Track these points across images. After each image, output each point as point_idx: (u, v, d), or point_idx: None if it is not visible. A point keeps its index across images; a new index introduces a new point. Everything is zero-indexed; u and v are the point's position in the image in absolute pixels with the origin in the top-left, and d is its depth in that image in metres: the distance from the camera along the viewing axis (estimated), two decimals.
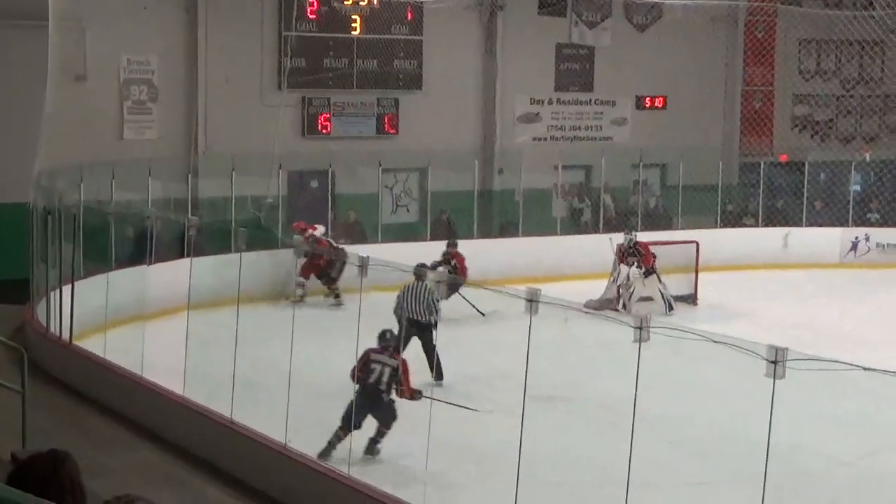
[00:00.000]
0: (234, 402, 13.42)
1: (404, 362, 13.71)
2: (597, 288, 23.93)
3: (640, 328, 9.18)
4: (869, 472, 13.28)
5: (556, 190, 29.79)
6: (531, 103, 30.66)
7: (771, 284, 26.77)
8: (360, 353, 13.27)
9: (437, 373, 17.02)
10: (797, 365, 8.66)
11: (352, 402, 13.17)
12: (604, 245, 24.99)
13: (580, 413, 15.90)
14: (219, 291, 18.65)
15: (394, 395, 13.46)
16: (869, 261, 29.68)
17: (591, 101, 31.49)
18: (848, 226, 30.30)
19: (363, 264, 12.23)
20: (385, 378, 13.34)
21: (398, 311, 17.30)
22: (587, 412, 15.77)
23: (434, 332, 17.18)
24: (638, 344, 9.20)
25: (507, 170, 29.45)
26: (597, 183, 30.38)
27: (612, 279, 24.12)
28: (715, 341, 8.98)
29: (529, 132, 30.58)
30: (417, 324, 17.17)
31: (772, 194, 31.57)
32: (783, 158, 33.39)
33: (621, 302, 23.71)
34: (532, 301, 10.07)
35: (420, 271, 17.04)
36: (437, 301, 17.62)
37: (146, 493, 5.71)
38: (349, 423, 13.06)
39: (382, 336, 13.81)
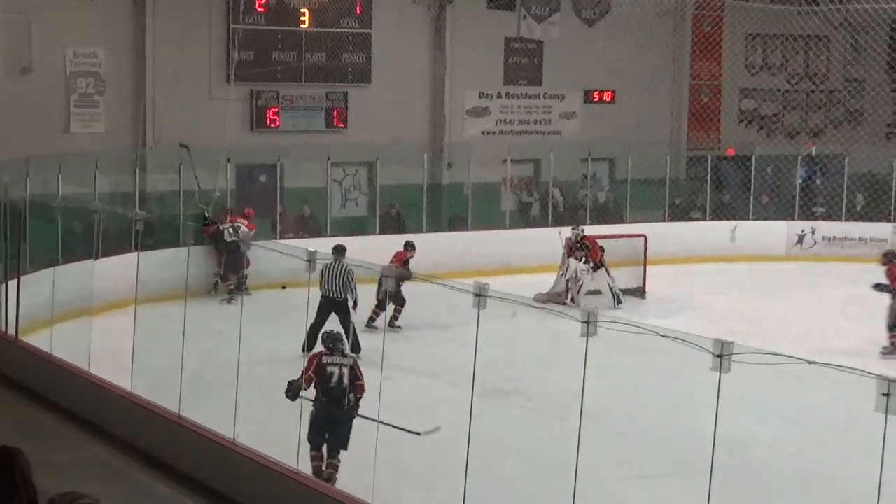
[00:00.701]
0: (182, 396, 13.34)
1: (355, 360, 13.08)
2: (546, 281, 24.01)
3: (588, 322, 9.20)
4: (815, 464, 13.40)
5: (505, 183, 29.82)
6: (480, 97, 30.71)
7: (718, 278, 26.96)
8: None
9: (354, 345, 17.16)
10: (743, 358, 8.71)
11: (313, 417, 12.53)
12: (553, 239, 25.05)
13: (529, 407, 15.95)
14: (167, 285, 18.58)
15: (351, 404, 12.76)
16: (815, 254, 29.97)
17: (539, 95, 31.59)
18: (794, 219, 30.57)
19: (311, 258, 12.16)
20: (346, 380, 12.63)
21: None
22: (536, 406, 15.82)
23: (351, 311, 18.00)
24: (585, 338, 9.22)
25: (456, 163, 29.50)
26: (545, 176, 30.45)
27: (560, 273, 24.19)
28: (661, 335, 9.00)
29: (478, 126, 30.63)
30: (334, 301, 18.11)
31: (719, 188, 31.78)
32: (730, 152, 33.63)
33: (570, 296, 23.80)
34: (480, 295, 10.06)
35: (338, 249, 18.52)
36: (353, 279, 18.35)
37: (93, 489, 5.67)
38: (318, 442, 12.54)
39: (328, 337, 13.15)
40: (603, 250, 24.30)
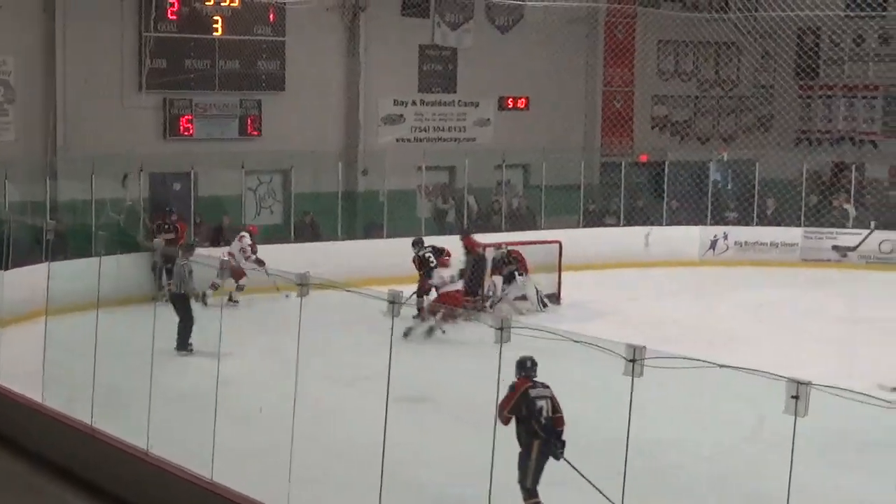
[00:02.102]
0: (95, 408, 13.21)
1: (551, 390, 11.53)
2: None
3: (501, 329, 9.23)
4: (727, 467, 13.52)
5: (420, 191, 29.85)
6: (395, 104, 30.70)
7: (633, 283, 27.15)
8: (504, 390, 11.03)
9: (180, 342, 19.02)
10: (655, 363, 8.78)
11: (526, 461, 11.34)
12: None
13: (446, 414, 15.95)
14: (79, 296, 18.37)
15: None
16: (728, 258, 30.31)
17: (454, 102, 31.65)
18: (707, 224, 30.87)
19: (223, 266, 12.11)
20: (549, 413, 11.42)
21: None
22: (453, 413, 15.83)
23: (189, 304, 19.30)
24: (499, 345, 9.25)
25: (371, 171, 29.46)
26: (461, 183, 30.50)
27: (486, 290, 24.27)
28: (575, 340, 9.06)
29: (393, 133, 30.63)
30: (176, 295, 19.37)
31: (633, 194, 32.02)
32: (643, 158, 33.92)
33: (490, 301, 23.90)
34: (394, 303, 10.07)
35: (186, 248, 19.72)
36: (190, 274, 19.22)
37: (5, 502, 5.60)
38: (535, 485, 11.41)
39: (523, 365, 11.33)
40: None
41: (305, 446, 11.94)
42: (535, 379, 11.29)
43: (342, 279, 21.81)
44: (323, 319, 19.43)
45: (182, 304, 19.40)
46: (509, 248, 24.63)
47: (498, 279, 24.28)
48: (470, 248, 24.06)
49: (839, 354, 20.42)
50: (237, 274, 23.03)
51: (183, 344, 19.15)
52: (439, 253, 23.55)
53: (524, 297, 24.16)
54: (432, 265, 23.14)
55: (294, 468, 11.11)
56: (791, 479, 8.46)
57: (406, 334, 19.11)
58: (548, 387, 11.39)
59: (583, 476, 11.11)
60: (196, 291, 19.92)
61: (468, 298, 22.96)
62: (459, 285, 22.68)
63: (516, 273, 24.22)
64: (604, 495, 9.64)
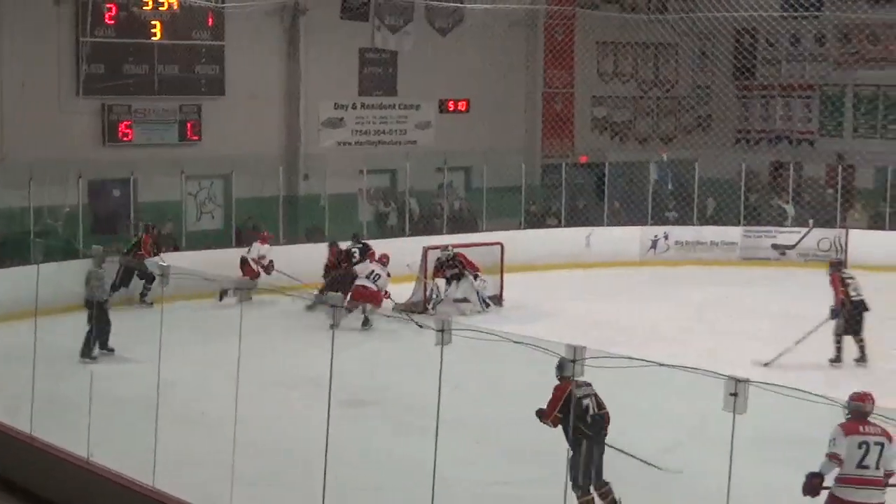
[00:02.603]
0: (34, 416, 13.11)
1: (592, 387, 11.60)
2: (404, 291, 24.05)
3: (443, 331, 9.25)
4: (669, 466, 13.59)
5: (362, 194, 29.81)
6: (335, 108, 30.65)
7: (575, 283, 27.28)
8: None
9: (85, 348, 18.98)
10: (596, 363, 8.84)
11: (579, 452, 11.33)
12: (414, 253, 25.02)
13: (389, 416, 15.96)
14: (17, 303, 18.24)
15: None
16: (668, 258, 30.49)
17: (394, 105, 31.66)
18: (647, 224, 31.06)
19: (164, 272, 12.07)
20: (595, 410, 11.57)
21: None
22: (396, 415, 15.85)
23: (106, 309, 19.41)
24: (440, 346, 9.27)
25: (313, 175, 29.39)
26: (402, 186, 30.52)
27: (419, 284, 24.28)
28: (515, 342, 9.09)
29: (334, 137, 30.58)
30: (95, 303, 19.17)
31: (574, 195, 32.16)
32: (584, 159, 34.08)
33: (432, 304, 23.95)
34: (335, 306, 10.08)
35: (97, 253, 19.64)
36: (103, 280, 19.58)
37: None
38: (588, 484, 11.48)
39: (563, 366, 11.06)
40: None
41: (248, 450, 11.92)
42: (576, 379, 10.93)
43: (284, 284, 21.89)
44: (265, 323, 19.52)
45: (95, 311, 19.32)
46: (455, 250, 24.67)
47: (441, 281, 24.36)
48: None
49: (778, 350, 20.62)
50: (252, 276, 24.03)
51: (87, 351, 19.15)
52: (366, 249, 24.06)
53: (465, 300, 24.25)
54: (355, 260, 23.85)
55: (237, 472, 11.08)
56: (731, 476, 8.54)
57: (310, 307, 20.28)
58: (590, 384, 11.44)
59: (634, 457, 11.21)
60: (108, 298, 19.97)
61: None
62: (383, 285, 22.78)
63: (461, 275, 24.32)
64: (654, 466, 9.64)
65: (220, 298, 22.36)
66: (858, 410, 9.98)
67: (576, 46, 34.60)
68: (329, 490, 10.29)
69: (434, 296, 24.17)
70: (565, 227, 30.90)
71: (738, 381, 8.14)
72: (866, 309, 20.07)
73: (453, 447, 10.61)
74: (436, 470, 9.68)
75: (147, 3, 27.28)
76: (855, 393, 10.09)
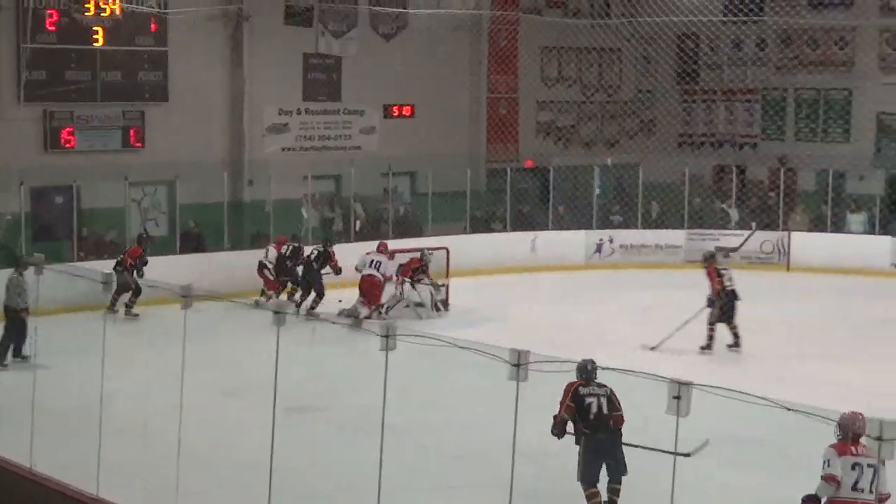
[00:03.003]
0: None
1: (611, 390, 11.92)
2: (349, 297, 24.01)
3: (387, 336, 9.25)
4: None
5: (307, 200, 29.74)
6: (279, 114, 30.56)
7: (520, 288, 27.35)
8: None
9: (17, 349, 19.28)
10: (541, 367, 8.86)
11: (587, 450, 11.81)
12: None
13: (334, 423, 15.94)
14: None
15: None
16: (613, 262, 30.66)
17: (339, 110, 31.59)
18: (592, 228, 31.20)
19: (107, 280, 12.00)
20: (605, 409, 11.81)
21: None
22: (341, 422, 15.82)
23: (23, 318, 18.98)
24: (385, 352, 9.27)
25: (257, 180, 29.28)
26: (347, 192, 30.47)
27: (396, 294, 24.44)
28: (461, 347, 9.10)
29: (278, 142, 30.48)
30: (13, 310, 19.24)
31: (518, 199, 32.24)
32: (529, 164, 34.17)
33: (386, 307, 24.02)
34: (280, 313, 10.06)
35: (20, 263, 19.41)
36: (23, 287, 19.12)
37: None
38: (596, 478, 11.85)
39: (585, 368, 11.88)
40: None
41: (193, 458, 11.87)
42: (593, 380, 11.83)
43: (229, 290, 21.82)
44: (209, 330, 19.39)
45: (12, 318, 19.34)
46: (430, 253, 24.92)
47: (408, 287, 24.49)
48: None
49: (721, 354, 20.80)
50: (270, 285, 24.76)
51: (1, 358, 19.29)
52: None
53: (421, 304, 24.40)
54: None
55: (182, 481, 11.04)
56: (675, 477, 8.60)
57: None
58: (604, 386, 11.84)
59: (648, 448, 11.27)
60: (26, 307, 19.19)
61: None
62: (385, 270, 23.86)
63: (421, 279, 24.49)
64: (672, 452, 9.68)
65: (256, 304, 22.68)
66: (848, 431, 9.52)
67: (520, 51, 34.69)
68: (275, 498, 10.27)
69: (400, 295, 24.30)
70: (510, 231, 30.96)
71: (681, 384, 8.20)
72: (737, 298, 20.99)
73: (399, 453, 10.61)
74: (381, 476, 9.68)
75: (89, 9, 27.10)
76: (845, 413, 9.66)
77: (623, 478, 11.89)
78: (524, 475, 9.56)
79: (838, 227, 31.44)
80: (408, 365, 10.12)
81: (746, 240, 30.95)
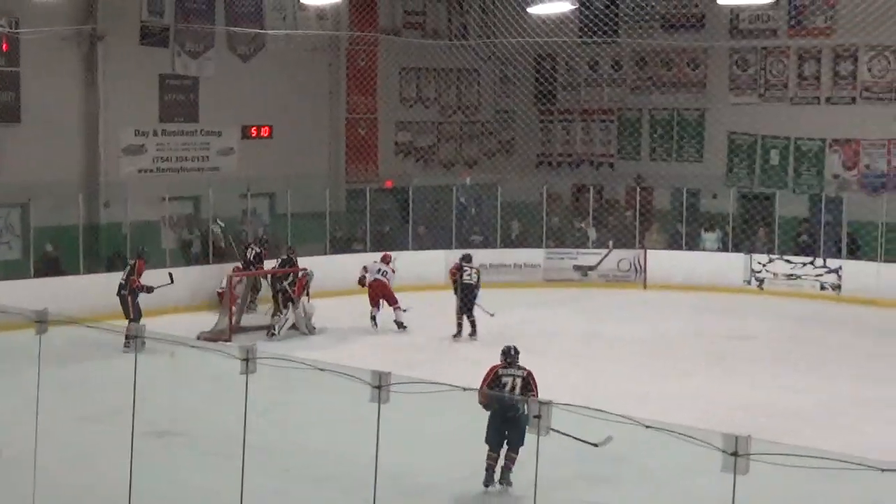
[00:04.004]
0: None
1: (531, 373, 14.05)
2: (208, 320, 23.81)
3: (247, 359, 9.18)
4: (478, 485, 13.73)
5: (165, 221, 29.41)
6: (136, 135, 30.16)
7: (381, 308, 27.30)
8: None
9: None
10: (400, 388, 8.86)
11: (491, 419, 13.57)
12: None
13: (194, 447, 15.77)
14: None
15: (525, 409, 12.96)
16: (473, 281, 30.67)
17: (196, 131, 31.30)
18: (452, 248, 31.30)
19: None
20: (517, 390, 13.74)
21: None
22: (201, 445, 15.66)
23: None
24: (245, 375, 9.19)
25: (114, 203, 28.84)
26: (206, 214, 30.19)
27: (224, 312, 24.12)
28: (321, 369, 9.06)
29: (135, 164, 30.07)
30: None
31: (379, 220, 32.26)
32: (388, 184, 34.20)
33: (277, 329, 23.97)
34: (136, 337, 9.93)
35: None
36: None
37: None
38: (496, 442, 13.56)
39: (507, 352, 14.17)
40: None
41: (50, 485, 11.65)
42: (514, 363, 14.06)
43: (86, 314, 21.45)
44: (66, 355, 19.10)
45: None
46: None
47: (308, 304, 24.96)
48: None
49: (581, 371, 21.02)
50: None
51: None
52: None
53: (294, 327, 24.37)
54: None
55: None
56: (537, 495, 8.66)
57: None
58: (523, 369, 14.01)
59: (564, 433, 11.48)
60: None
61: None
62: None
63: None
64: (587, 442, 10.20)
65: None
66: None
67: (378, 72, 34.78)
68: None
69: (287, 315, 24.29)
70: (371, 251, 30.93)
71: (541, 403, 8.26)
72: (473, 293, 23.73)
73: (261, 476, 10.54)
74: (243, 500, 9.60)
75: None
76: None
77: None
78: (387, 497, 9.55)
79: (693, 245, 32.03)
80: (269, 387, 10.05)
81: (604, 258, 31.38)
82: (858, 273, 28.98)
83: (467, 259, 25.23)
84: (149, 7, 29.82)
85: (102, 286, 25.05)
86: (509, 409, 13.55)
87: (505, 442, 13.56)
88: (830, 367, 21.44)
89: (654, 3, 33.34)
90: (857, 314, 27.38)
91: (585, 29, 33.32)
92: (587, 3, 33.00)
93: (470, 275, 24.32)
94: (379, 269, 25.82)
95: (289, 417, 16.13)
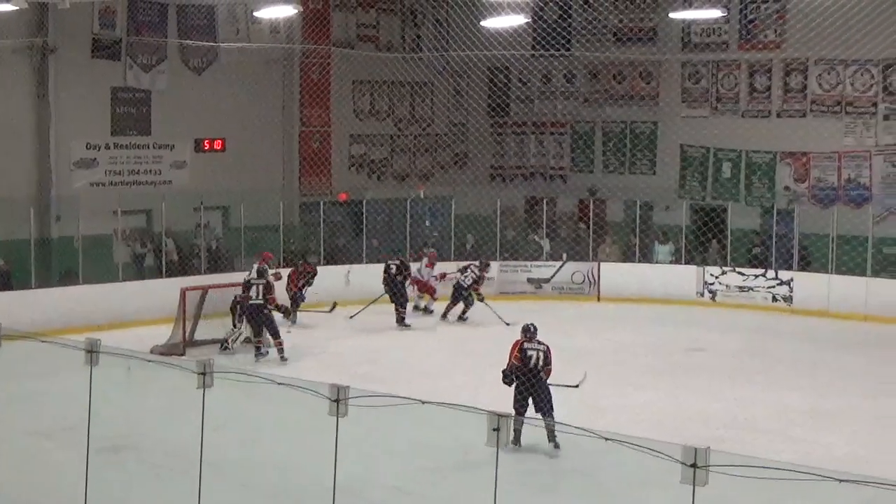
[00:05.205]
0: None
1: (549, 347, 16.15)
2: (161, 333, 23.68)
3: (204, 374, 9.15)
4: (434, 499, 13.72)
5: (117, 235, 29.23)
6: (87, 148, 29.97)
7: (336, 321, 27.27)
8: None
9: None
10: (358, 401, 8.85)
11: (517, 388, 15.65)
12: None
13: (149, 462, 15.65)
14: None
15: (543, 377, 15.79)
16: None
17: (149, 144, 31.15)
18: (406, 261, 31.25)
19: None
20: (540, 362, 15.86)
21: None
22: (156, 460, 15.54)
23: None
24: (202, 390, 9.16)
25: (65, 216, 28.65)
26: (158, 227, 30.03)
27: (178, 325, 23.97)
28: (279, 383, 9.05)
29: (87, 177, 29.88)
30: None
31: (333, 233, 32.21)
32: (342, 197, 34.15)
33: (231, 343, 23.84)
34: (91, 351, 9.86)
35: None
36: None
37: None
38: (522, 407, 15.31)
39: (528, 329, 16.24)
40: None
41: (4, 501, 11.54)
42: (534, 338, 16.08)
43: (38, 329, 21.28)
44: (18, 370, 18.95)
45: None
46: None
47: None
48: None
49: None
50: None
51: None
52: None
53: (248, 340, 24.19)
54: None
55: None
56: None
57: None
58: (543, 343, 16.09)
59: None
60: None
61: None
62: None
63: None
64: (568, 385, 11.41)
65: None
66: None
67: (332, 85, 34.75)
68: None
69: (240, 329, 24.20)
70: (325, 264, 30.86)
71: (500, 416, 8.28)
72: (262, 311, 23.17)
73: (218, 492, 10.48)
74: None
75: None
76: None
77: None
78: None
79: (646, 257, 32.15)
80: (226, 401, 10.01)
81: (557, 271, 31.46)
82: (810, 285, 29.15)
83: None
84: (100, 20, 29.66)
85: (55, 300, 24.89)
86: (533, 376, 15.58)
87: (535, 410, 15.14)
88: (783, 379, 21.56)
89: (606, 17, 33.54)
90: (809, 325, 27.57)
91: (538, 42, 33.44)
92: (540, 17, 33.14)
93: (258, 294, 23.54)
94: (418, 269, 28.93)
95: (246, 432, 16.04)
